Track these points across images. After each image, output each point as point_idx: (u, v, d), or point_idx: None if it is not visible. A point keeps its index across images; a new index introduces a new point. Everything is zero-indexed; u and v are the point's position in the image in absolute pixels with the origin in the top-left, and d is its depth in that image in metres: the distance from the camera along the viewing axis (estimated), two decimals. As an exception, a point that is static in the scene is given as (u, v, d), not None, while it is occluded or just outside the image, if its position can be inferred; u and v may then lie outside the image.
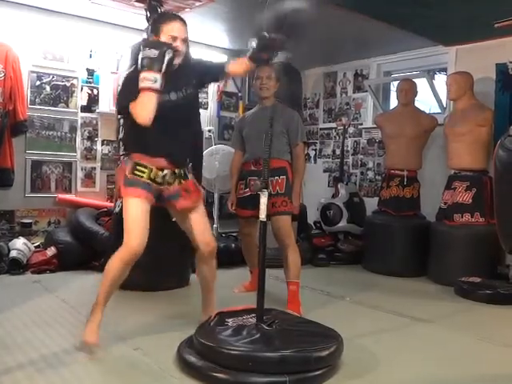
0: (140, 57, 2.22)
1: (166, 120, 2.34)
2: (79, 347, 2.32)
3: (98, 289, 2.39)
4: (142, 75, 2.20)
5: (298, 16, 2.25)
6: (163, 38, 2.33)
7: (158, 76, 2.20)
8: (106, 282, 2.35)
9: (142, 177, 2.38)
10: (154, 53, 2.20)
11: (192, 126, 2.67)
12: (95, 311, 2.37)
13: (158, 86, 2.21)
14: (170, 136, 2.42)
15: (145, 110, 2.24)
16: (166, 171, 2.44)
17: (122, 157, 3.65)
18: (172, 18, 2.40)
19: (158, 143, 2.40)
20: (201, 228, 2.54)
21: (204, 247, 2.53)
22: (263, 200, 2.27)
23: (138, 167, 2.39)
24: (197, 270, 2.68)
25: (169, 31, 2.34)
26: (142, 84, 2.20)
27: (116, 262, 2.31)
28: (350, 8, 3.73)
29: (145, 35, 3.64)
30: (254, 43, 2.37)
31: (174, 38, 2.34)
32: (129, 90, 2.31)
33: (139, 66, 2.23)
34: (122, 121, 3.68)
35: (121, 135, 3.71)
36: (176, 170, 2.48)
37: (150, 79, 2.19)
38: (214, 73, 2.61)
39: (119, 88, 3.58)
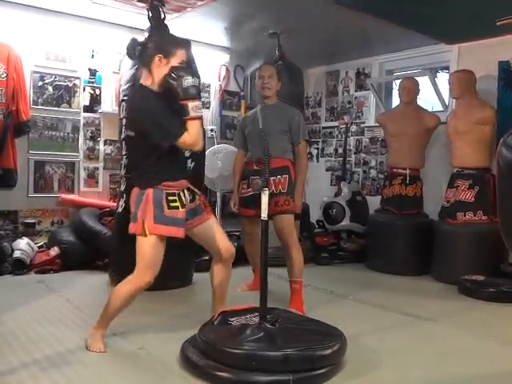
0: (182, 85, 2.22)
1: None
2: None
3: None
4: (193, 104, 2.23)
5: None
6: (174, 61, 2.31)
7: (201, 104, 2.29)
8: (113, 306, 2.36)
9: (177, 207, 2.34)
10: (198, 81, 2.26)
11: None
12: (98, 330, 2.39)
13: (202, 113, 2.30)
14: (181, 156, 2.51)
15: (200, 138, 2.30)
16: (185, 191, 2.44)
17: (124, 157, 3.66)
18: (183, 44, 2.40)
19: (176, 165, 2.42)
20: (221, 237, 2.55)
21: (225, 253, 2.54)
22: (264, 199, 2.27)
23: (169, 198, 2.33)
24: (211, 273, 2.64)
25: (182, 57, 2.34)
26: (193, 113, 2.24)
27: (128, 290, 2.34)
28: (352, 7, 3.72)
29: (147, 35, 3.65)
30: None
31: (182, 63, 2.34)
32: (172, 126, 2.27)
33: (182, 93, 2.22)
34: (124, 121, 3.67)
35: (123, 135, 3.70)
36: (189, 187, 2.49)
37: (200, 107, 2.26)
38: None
39: (125, 92, 3.55)
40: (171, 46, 2.35)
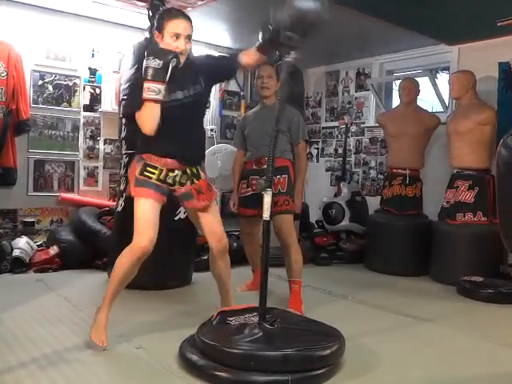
0: (144, 65, 2.21)
1: (173, 119, 2.35)
2: (87, 344, 2.35)
3: (106, 287, 2.40)
4: (146, 85, 2.21)
5: (316, 17, 2.22)
6: (167, 35, 2.31)
7: (162, 87, 2.21)
8: (114, 280, 2.36)
9: (150, 178, 2.39)
10: (157, 63, 2.18)
11: (201, 124, 2.65)
12: (102, 311, 2.39)
13: (160, 97, 2.22)
14: (179, 135, 2.41)
15: (149, 120, 2.27)
16: (176, 171, 2.44)
17: (124, 155, 3.67)
18: (176, 15, 2.37)
19: (167, 143, 2.39)
20: (212, 226, 2.54)
21: (216, 244, 2.54)
22: (267, 199, 2.26)
23: (147, 168, 2.40)
24: (211, 268, 2.67)
25: (173, 28, 2.31)
26: (145, 94, 2.22)
27: (125, 261, 2.33)
28: (353, 7, 3.72)
29: (147, 34, 3.65)
30: (260, 36, 2.34)
31: (178, 36, 2.31)
32: (135, 98, 2.32)
33: (142, 74, 2.21)
34: (124, 120, 3.69)
35: (123, 134, 3.72)
36: (187, 170, 2.48)
37: (154, 90, 2.20)
38: (227, 67, 2.57)
39: (123, 92, 3.58)
40: (161, 20, 2.36)
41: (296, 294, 3.18)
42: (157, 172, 2.40)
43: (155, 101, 2.23)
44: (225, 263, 2.62)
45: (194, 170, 2.51)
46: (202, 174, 2.56)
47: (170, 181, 2.44)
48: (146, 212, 2.36)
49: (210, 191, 2.57)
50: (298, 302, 3.15)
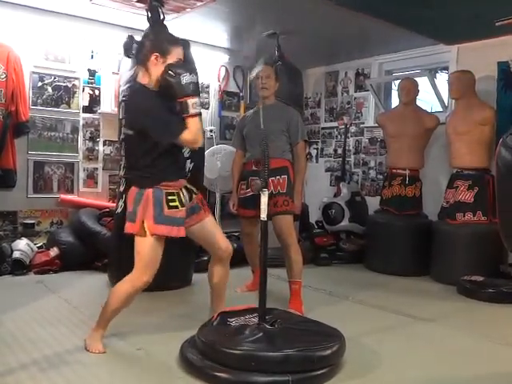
0: (183, 81, 2.21)
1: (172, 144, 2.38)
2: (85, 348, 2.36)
3: (102, 309, 2.37)
4: (192, 101, 2.22)
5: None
6: (171, 59, 2.30)
7: (199, 100, 2.27)
8: (112, 306, 2.34)
9: (177, 207, 2.32)
10: (196, 78, 2.25)
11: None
12: (97, 331, 2.38)
13: (200, 109, 2.28)
14: (179, 154, 2.48)
15: (200, 134, 2.30)
16: (183, 190, 2.44)
17: (123, 157, 3.65)
18: (180, 42, 2.39)
19: (178, 165, 2.44)
20: (219, 235, 2.56)
21: (223, 253, 2.55)
22: (264, 200, 2.27)
23: (169, 197, 2.32)
24: (210, 275, 2.64)
25: (177, 54, 2.33)
26: (193, 110, 2.23)
27: (126, 289, 2.32)
28: (352, 7, 3.73)
29: (147, 34, 3.64)
30: None
31: (179, 62, 2.33)
32: (175, 121, 2.26)
33: (180, 91, 2.21)
34: (123, 121, 3.67)
35: (123, 135, 3.70)
36: (187, 185, 2.49)
37: (198, 104, 2.25)
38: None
39: (125, 92, 3.54)
40: (167, 44, 2.33)
41: (296, 295, 3.18)
42: (176, 198, 2.35)
43: (200, 114, 2.28)
44: (226, 269, 2.62)
45: (188, 185, 2.51)
46: (193, 188, 2.55)
47: (185, 200, 2.41)
48: (156, 249, 2.32)
49: (205, 202, 2.61)
50: (299, 302, 3.15)
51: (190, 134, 2.24)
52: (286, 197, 3.20)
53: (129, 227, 2.33)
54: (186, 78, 2.21)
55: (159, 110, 2.27)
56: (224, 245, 2.55)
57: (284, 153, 3.28)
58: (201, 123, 2.32)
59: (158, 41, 2.36)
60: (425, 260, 4.38)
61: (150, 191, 2.29)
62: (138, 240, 2.32)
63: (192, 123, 2.24)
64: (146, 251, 2.30)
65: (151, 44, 2.34)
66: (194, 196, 2.50)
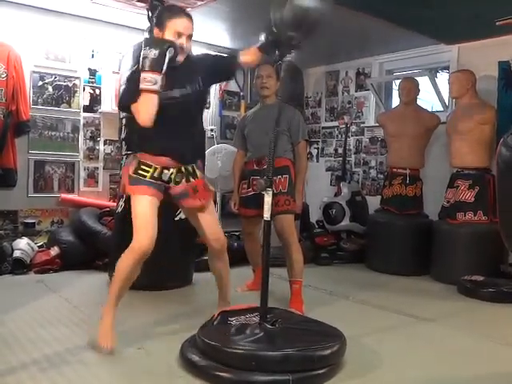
0: (141, 56, 2.19)
1: (169, 117, 2.32)
2: (92, 347, 2.34)
3: (108, 288, 2.40)
4: (142, 76, 2.17)
5: (318, 15, 2.22)
6: (168, 33, 2.28)
7: (158, 77, 2.17)
8: (117, 281, 2.33)
9: (144, 176, 2.38)
10: (154, 53, 2.15)
11: (198, 124, 2.62)
12: (107, 312, 2.36)
13: (157, 87, 2.18)
14: (174, 133, 2.38)
15: (145, 111, 2.23)
16: (171, 169, 2.42)
17: (124, 156, 3.67)
18: (179, 14, 2.34)
19: (161, 141, 2.37)
20: (209, 225, 2.54)
21: (214, 243, 2.55)
22: (267, 199, 2.26)
23: (142, 166, 2.38)
24: (211, 268, 2.68)
25: (175, 27, 2.29)
26: (141, 85, 2.18)
27: (127, 260, 2.30)
28: (352, 7, 3.72)
29: (147, 34, 3.65)
30: (262, 37, 2.35)
31: (180, 34, 2.29)
32: (131, 90, 2.27)
33: (140, 65, 2.20)
34: (124, 120, 3.70)
35: (123, 135, 3.72)
36: (182, 168, 2.46)
37: (150, 80, 2.16)
38: (227, 67, 2.56)
39: (122, 86, 3.59)
40: (163, 18, 2.32)
41: (297, 294, 3.18)
42: (151, 170, 2.38)
43: (152, 91, 2.18)
44: (224, 263, 2.63)
45: (190, 169, 2.49)
46: (198, 172, 2.54)
47: (165, 178, 2.42)
48: (144, 209, 2.33)
49: (206, 191, 2.56)
50: (299, 301, 3.15)
51: (134, 107, 2.23)
52: (287, 196, 3.20)
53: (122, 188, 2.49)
54: (143, 52, 2.18)
55: (132, 80, 2.26)
56: (216, 235, 2.55)
57: (285, 152, 3.27)
58: (150, 101, 2.21)
59: (159, 15, 2.38)
60: (425, 260, 4.38)
61: (130, 157, 2.46)
62: (131, 203, 2.37)
63: (140, 98, 2.20)
64: (136, 212, 2.33)
65: (156, 19, 2.39)
66: (183, 181, 2.46)
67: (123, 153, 3.71)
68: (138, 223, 2.31)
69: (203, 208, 2.53)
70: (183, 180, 2.47)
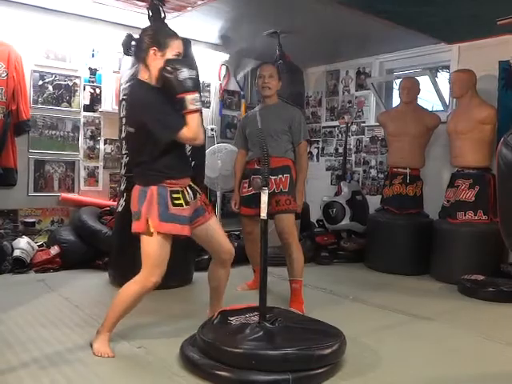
0: (180, 77, 2.17)
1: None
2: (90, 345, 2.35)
3: (108, 311, 2.35)
4: (191, 97, 2.18)
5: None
6: (170, 53, 2.27)
7: (199, 96, 2.23)
8: (119, 307, 2.32)
9: (182, 205, 2.29)
10: (194, 73, 2.20)
11: None
12: (103, 333, 2.34)
13: (200, 106, 2.24)
14: (183, 152, 2.45)
15: (201, 131, 2.24)
16: (188, 188, 2.39)
17: (124, 155, 3.66)
18: (177, 36, 2.35)
19: (182, 162, 2.40)
20: (221, 236, 2.54)
21: (225, 254, 2.54)
22: (264, 198, 2.27)
23: (174, 195, 2.28)
24: (210, 275, 2.64)
25: (176, 48, 2.29)
26: (191, 106, 2.18)
27: (133, 291, 2.30)
28: (353, 6, 3.72)
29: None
30: None
31: (179, 55, 2.30)
32: (170, 120, 2.22)
33: (179, 86, 2.17)
34: (124, 120, 3.67)
35: (123, 134, 3.71)
36: (191, 184, 2.44)
37: (197, 100, 2.20)
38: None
39: (126, 91, 3.53)
40: (165, 38, 2.29)
41: (297, 293, 3.18)
42: (181, 196, 2.31)
43: (200, 110, 2.24)
44: (226, 270, 2.61)
45: (192, 185, 2.46)
46: (197, 188, 2.49)
47: (189, 199, 2.36)
48: (164, 248, 2.29)
49: (208, 202, 2.59)
50: (299, 301, 3.15)
51: (189, 131, 2.20)
52: (288, 196, 3.20)
53: (135, 226, 2.29)
54: (183, 74, 2.17)
55: (158, 106, 2.23)
56: (226, 247, 2.53)
57: (286, 152, 3.28)
58: (201, 119, 2.28)
59: (155, 35, 2.32)
60: (425, 259, 4.38)
61: (154, 188, 2.26)
62: (144, 239, 2.27)
63: (191, 119, 2.19)
64: (153, 251, 2.27)
65: (149, 38, 2.29)
66: (197, 196, 2.44)
67: (123, 152, 3.70)
68: (157, 262, 2.28)
69: (213, 220, 2.52)
70: (197, 195, 2.44)
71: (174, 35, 2.33)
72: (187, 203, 2.32)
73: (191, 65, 2.25)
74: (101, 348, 2.31)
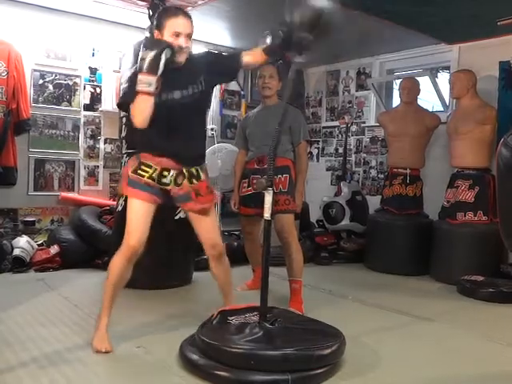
0: (139, 57, 2.18)
1: (170, 119, 2.32)
2: (89, 344, 2.35)
3: (103, 293, 2.39)
4: (138, 77, 2.16)
5: (330, 16, 2.21)
6: (166, 33, 2.26)
7: (153, 79, 2.16)
8: (109, 282, 2.37)
9: (143, 176, 2.36)
10: (150, 54, 2.14)
11: (200, 125, 2.57)
12: (101, 316, 2.38)
13: (152, 89, 2.17)
14: (175, 135, 2.36)
15: (140, 113, 2.23)
16: (172, 171, 2.38)
17: (125, 155, 3.67)
18: (176, 13, 2.31)
19: (163, 142, 2.36)
20: (207, 231, 2.52)
21: (210, 249, 2.54)
22: (268, 199, 2.25)
23: (142, 167, 2.37)
24: (210, 269, 2.65)
25: (172, 27, 2.26)
26: (137, 87, 2.18)
27: (117, 260, 2.35)
28: (352, 6, 3.72)
29: (147, 33, 3.65)
30: (268, 39, 2.32)
31: (178, 34, 2.26)
32: (130, 90, 2.26)
33: (138, 65, 2.18)
34: (124, 119, 3.69)
35: (123, 133, 3.72)
36: (184, 170, 2.41)
37: (145, 82, 2.16)
38: (229, 67, 2.52)
39: (123, 85, 3.58)
40: (161, 18, 2.31)
41: (297, 294, 3.18)
42: (150, 171, 2.36)
43: (147, 93, 2.18)
44: (223, 267, 2.61)
45: (194, 171, 2.44)
46: (202, 175, 2.48)
47: (165, 180, 2.39)
48: (137, 213, 2.36)
49: (209, 194, 2.51)
50: (299, 301, 3.15)
51: (133, 108, 2.23)
52: (287, 196, 3.20)
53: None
54: (141, 54, 2.17)
55: (131, 81, 2.26)
56: (211, 242, 2.53)
57: (286, 152, 3.28)
58: (145, 103, 2.21)
59: (157, 17, 2.36)
60: (425, 259, 4.38)
61: (132, 157, 2.44)
62: (127, 205, 2.41)
63: (137, 100, 2.21)
64: (129, 214, 2.37)
65: (154, 21, 2.37)
66: (184, 182, 2.42)
67: (123, 151, 3.71)
68: (130, 225, 2.36)
69: (204, 212, 2.50)
70: (185, 182, 2.42)
71: (168, 15, 2.31)
72: (152, 179, 2.37)
73: (153, 45, 2.19)
74: (99, 342, 2.32)
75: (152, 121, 2.25)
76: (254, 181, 3.26)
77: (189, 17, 2.34)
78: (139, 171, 2.37)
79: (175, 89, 2.33)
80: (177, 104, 2.33)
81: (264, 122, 3.26)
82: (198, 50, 3.99)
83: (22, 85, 4.20)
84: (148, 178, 2.37)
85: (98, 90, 4.76)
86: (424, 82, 4.83)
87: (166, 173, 2.38)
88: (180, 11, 2.36)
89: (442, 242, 4.23)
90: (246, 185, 3.39)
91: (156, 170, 2.37)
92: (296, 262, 3.20)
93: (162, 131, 2.32)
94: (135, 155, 2.44)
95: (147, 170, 2.37)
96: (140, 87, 2.17)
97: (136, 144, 2.50)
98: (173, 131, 2.36)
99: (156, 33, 2.32)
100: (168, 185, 2.41)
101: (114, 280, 2.36)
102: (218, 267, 2.59)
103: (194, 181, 2.44)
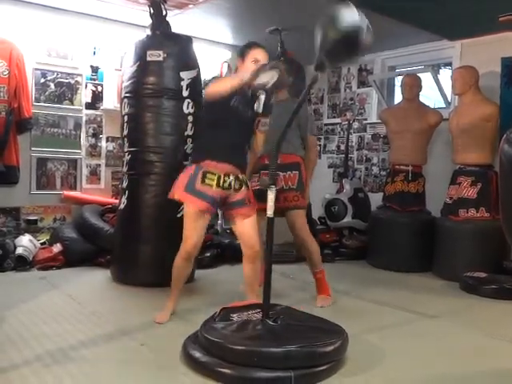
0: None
1: (239, 131, 2.68)
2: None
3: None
4: (262, 121, 2.69)
5: (361, 36, 2.19)
6: (248, 60, 2.64)
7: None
8: (174, 277, 2.77)
9: (211, 186, 2.58)
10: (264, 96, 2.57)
11: (249, 139, 2.88)
12: (170, 301, 2.80)
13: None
14: (236, 145, 2.69)
15: (257, 146, 2.86)
16: (231, 177, 2.64)
17: (126, 153, 3.67)
18: (258, 45, 2.71)
19: (226, 149, 2.62)
20: (249, 233, 2.74)
21: (248, 249, 2.75)
22: (271, 196, 2.26)
23: (207, 175, 2.59)
24: (243, 267, 2.83)
25: (254, 55, 2.66)
26: (260, 127, 2.71)
27: (177, 261, 2.72)
28: (353, 3, 3.70)
29: (148, 31, 3.65)
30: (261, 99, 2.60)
31: (257, 61, 2.62)
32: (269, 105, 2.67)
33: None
34: (126, 118, 3.68)
35: (125, 131, 3.71)
36: (240, 176, 2.69)
37: (265, 124, 2.73)
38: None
39: (127, 88, 3.60)
40: (245, 48, 2.71)
41: (322, 282, 3.30)
42: (215, 178, 2.59)
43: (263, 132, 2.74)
44: (252, 265, 2.78)
45: (244, 178, 2.73)
46: (248, 183, 2.80)
47: (226, 185, 2.63)
48: (195, 221, 2.62)
49: (254, 201, 2.77)
50: (325, 288, 3.29)
51: (257, 137, 2.81)
52: (296, 192, 3.22)
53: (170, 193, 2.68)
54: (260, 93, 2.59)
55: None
56: (250, 243, 2.73)
57: (297, 149, 3.29)
58: (261, 139, 2.83)
59: (240, 48, 2.78)
60: (428, 256, 4.38)
61: (192, 167, 2.63)
62: (184, 210, 2.67)
63: (257, 137, 2.81)
64: (187, 223, 2.62)
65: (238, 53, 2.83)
66: (243, 188, 2.70)
67: (125, 150, 3.71)
68: (188, 233, 2.64)
69: (250, 217, 2.73)
70: (243, 188, 2.70)
71: (252, 46, 2.71)
72: (218, 186, 2.59)
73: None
74: (160, 315, 2.73)
75: (227, 131, 2.61)
76: (260, 178, 3.27)
77: (266, 51, 2.73)
78: (207, 180, 2.59)
79: (242, 102, 2.64)
80: (248, 120, 2.69)
81: (275, 117, 3.26)
82: (199, 47, 4.00)
83: (24, 84, 4.21)
84: (216, 186, 2.60)
85: (99, 89, 4.76)
86: (426, 78, 4.82)
87: (226, 178, 2.63)
88: (261, 45, 2.74)
89: (444, 238, 4.23)
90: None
91: (220, 176, 2.61)
92: (314, 254, 3.29)
93: (227, 140, 2.62)
94: (195, 163, 2.66)
95: (213, 178, 2.60)
96: (263, 129, 2.71)
97: (198, 151, 2.77)
98: (235, 141, 2.67)
99: (239, 61, 2.72)
100: (229, 189, 2.66)
101: (175, 276, 2.75)
102: (249, 266, 2.78)
103: (245, 187, 2.74)
